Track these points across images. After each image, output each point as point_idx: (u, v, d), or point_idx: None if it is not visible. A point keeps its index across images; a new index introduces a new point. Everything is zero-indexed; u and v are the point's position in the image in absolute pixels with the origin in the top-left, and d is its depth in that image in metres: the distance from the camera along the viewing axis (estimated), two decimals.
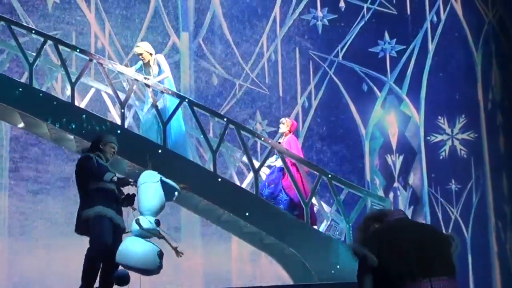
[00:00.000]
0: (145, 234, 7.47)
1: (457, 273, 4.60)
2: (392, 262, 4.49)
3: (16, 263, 13.67)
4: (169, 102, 10.83)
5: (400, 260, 4.48)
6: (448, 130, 15.57)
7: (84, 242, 7.57)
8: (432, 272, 4.49)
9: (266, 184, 10.97)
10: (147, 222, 7.44)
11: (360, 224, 4.86)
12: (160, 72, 10.97)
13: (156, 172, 7.84)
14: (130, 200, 7.78)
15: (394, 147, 15.51)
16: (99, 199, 7.68)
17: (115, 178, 7.69)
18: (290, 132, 11.21)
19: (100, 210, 7.61)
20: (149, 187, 7.73)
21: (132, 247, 7.42)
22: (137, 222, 7.50)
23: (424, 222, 5.31)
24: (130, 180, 7.85)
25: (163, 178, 7.67)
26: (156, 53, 11.37)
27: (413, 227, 4.69)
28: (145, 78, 10.80)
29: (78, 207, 7.78)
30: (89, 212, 7.59)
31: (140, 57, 10.96)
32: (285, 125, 11.20)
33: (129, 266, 7.43)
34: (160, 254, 7.41)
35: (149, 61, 10.96)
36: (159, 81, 10.91)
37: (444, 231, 5.04)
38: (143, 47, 10.99)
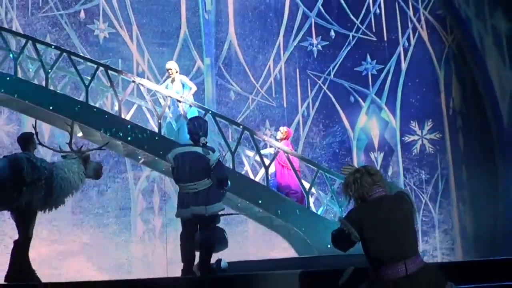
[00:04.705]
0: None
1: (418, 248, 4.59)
2: (371, 245, 4.45)
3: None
4: (189, 113, 11.28)
5: (380, 244, 4.43)
6: (419, 132, 15.98)
7: None
8: (405, 254, 4.43)
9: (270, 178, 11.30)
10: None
11: (353, 170, 4.67)
12: (184, 88, 11.50)
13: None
14: None
15: (376, 146, 15.85)
16: (220, 195, 7.66)
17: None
18: (285, 138, 11.70)
19: (221, 206, 7.68)
20: None
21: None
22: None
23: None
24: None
25: None
26: (185, 74, 11.97)
27: (387, 211, 4.50)
28: (181, 97, 11.34)
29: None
30: (215, 208, 7.58)
31: (170, 71, 11.54)
32: (281, 133, 11.73)
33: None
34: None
35: (174, 77, 11.56)
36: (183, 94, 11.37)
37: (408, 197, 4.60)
38: (173, 65, 11.67)
